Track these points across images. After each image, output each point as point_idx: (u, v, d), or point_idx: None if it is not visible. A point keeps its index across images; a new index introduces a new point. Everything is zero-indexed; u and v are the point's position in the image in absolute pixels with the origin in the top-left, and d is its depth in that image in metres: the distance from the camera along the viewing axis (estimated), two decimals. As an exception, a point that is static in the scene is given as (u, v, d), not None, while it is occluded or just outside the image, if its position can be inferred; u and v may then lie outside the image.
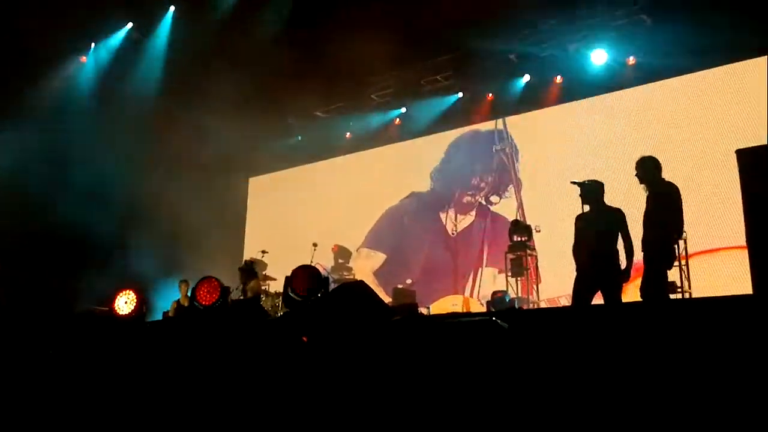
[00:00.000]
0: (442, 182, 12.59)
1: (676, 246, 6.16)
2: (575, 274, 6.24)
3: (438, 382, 3.09)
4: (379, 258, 12.76)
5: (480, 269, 11.60)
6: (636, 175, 6.17)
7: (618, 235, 6.07)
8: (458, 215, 12.19)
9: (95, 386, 3.77)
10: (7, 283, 8.70)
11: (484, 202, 11.98)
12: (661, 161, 6.28)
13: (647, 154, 6.36)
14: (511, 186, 11.69)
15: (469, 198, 12.18)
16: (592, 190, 6.30)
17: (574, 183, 7.37)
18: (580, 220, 6.37)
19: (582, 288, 6.14)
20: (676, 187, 6.02)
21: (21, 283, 9.11)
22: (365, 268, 12.66)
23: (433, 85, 12.60)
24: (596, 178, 6.48)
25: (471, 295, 11.39)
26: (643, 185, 6.12)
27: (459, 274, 11.65)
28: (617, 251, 6.06)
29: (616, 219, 6.12)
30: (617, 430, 2.89)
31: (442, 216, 12.35)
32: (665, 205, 5.93)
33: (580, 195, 6.36)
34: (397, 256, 12.55)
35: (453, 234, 12.11)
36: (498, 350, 3.20)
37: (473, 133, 12.48)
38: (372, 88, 13.06)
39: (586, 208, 6.35)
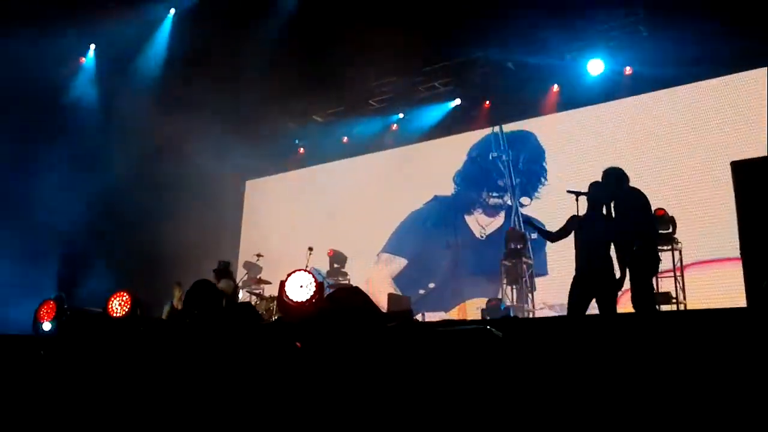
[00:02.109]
0: (466, 185, 12.38)
1: (658, 252, 6.09)
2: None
3: (431, 390, 3.09)
4: (399, 263, 12.65)
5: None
6: (598, 184, 6.20)
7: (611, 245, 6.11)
8: (486, 218, 11.97)
9: (87, 387, 3.76)
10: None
11: (511, 204, 11.73)
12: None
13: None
14: (541, 187, 11.46)
15: (496, 200, 11.96)
16: (600, 197, 6.30)
17: (570, 192, 7.40)
18: (580, 225, 6.37)
19: (577, 295, 6.15)
20: (641, 192, 6.02)
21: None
22: (384, 272, 12.55)
23: (430, 92, 12.63)
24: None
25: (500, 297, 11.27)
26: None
27: (485, 278, 11.31)
28: (612, 261, 6.09)
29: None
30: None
31: (468, 219, 12.18)
32: (635, 213, 5.93)
33: (588, 198, 6.35)
34: (418, 261, 12.36)
35: (482, 237, 11.92)
36: (492, 359, 3.20)
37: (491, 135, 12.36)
38: (370, 94, 13.10)
39: (582, 211, 6.39)
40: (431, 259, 12.15)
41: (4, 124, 10.46)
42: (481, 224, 11.92)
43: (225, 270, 9.55)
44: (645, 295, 5.81)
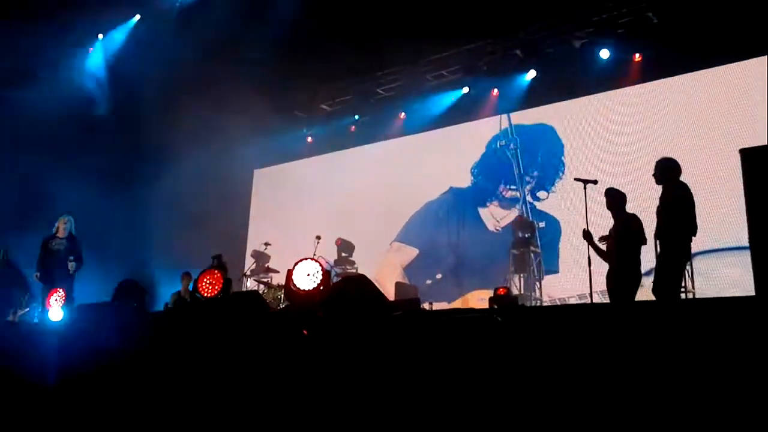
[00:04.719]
0: (483, 177, 12.24)
1: (690, 244, 6.20)
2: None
3: (437, 378, 3.09)
4: (410, 252, 12.59)
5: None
6: (654, 174, 6.29)
7: (637, 241, 6.41)
8: (501, 211, 11.79)
9: (95, 375, 3.78)
10: None
11: (530, 198, 11.54)
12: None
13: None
14: (558, 180, 11.29)
15: (512, 192, 11.78)
16: (616, 200, 6.62)
17: (578, 180, 7.45)
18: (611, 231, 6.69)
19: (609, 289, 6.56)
20: (688, 187, 6.13)
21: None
22: (395, 261, 12.50)
23: (439, 81, 12.58)
24: (617, 187, 6.76)
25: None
26: (660, 185, 6.24)
27: (494, 270, 11.08)
28: (638, 258, 6.37)
29: (635, 225, 6.43)
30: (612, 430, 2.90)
31: (482, 212, 12.07)
32: (679, 205, 6.03)
33: (607, 203, 6.67)
34: (429, 251, 12.29)
35: (497, 230, 11.71)
36: (497, 347, 3.20)
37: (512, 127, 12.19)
38: (378, 82, 13.09)
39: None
40: (440, 249, 12.12)
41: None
42: (496, 217, 11.85)
43: (217, 263, 9.60)
44: (674, 281, 6.02)
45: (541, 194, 11.39)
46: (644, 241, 6.43)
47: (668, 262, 6.01)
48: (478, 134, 12.37)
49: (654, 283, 6.04)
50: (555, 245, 10.59)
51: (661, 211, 6.14)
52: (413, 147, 12.98)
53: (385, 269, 12.18)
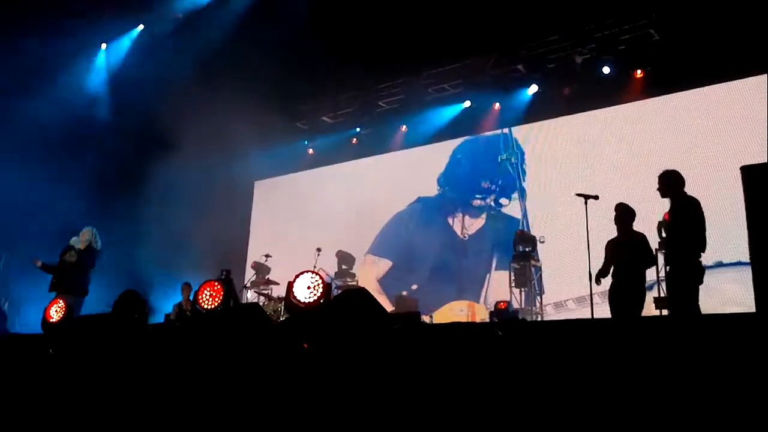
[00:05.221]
0: (451, 187, 12.57)
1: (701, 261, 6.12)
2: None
3: (438, 391, 3.09)
4: (384, 264, 12.72)
5: (489, 274, 11.58)
6: (658, 189, 6.25)
7: (644, 259, 6.47)
8: (469, 218, 12.11)
9: (96, 387, 3.77)
10: None
11: (494, 205, 11.92)
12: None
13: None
14: (515, 191, 11.70)
15: (479, 201, 12.11)
16: (624, 216, 6.64)
17: (579, 195, 7.45)
18: (613, 244, 6.68)
19: (614, 305, 6.49)
20: (698, 201, 6.09)
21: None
22: (370, 274, 12.59)
23: (440, 94, 12.62)
24: (626, 202, 6.80)
25: (479, 300, 11.34)
26: (666, 199, 6.21)
27: (467, 279, 11.54)
28: (643, 274, 6.41)
29: (642, 243, 6.48)
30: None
31: (450, 220, 12.29)
32: (689, 220, 5.99)
33: (615, 217, 6.70)
34: (402, 263, 12.48)
35: (464, 237, 12.03)
36: (499, 361, 3.20)
37: (478, 137, 12.53)
38: (380, 95, 13.14)
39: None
40: (415, 260, 12.30)
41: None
42: (465, 225, 12.07)
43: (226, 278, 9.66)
44: (691, 300, 5.88)
45: (503, 201, 11.80)
46: (655, 262, 6.48)
47: (681, 277, 5.94)
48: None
49: (669, 299, 6.01)
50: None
51: (669, 225, 6.11)
52: (414, 159, 13.01)
53: (361, 282, 12.19)
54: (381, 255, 12.80)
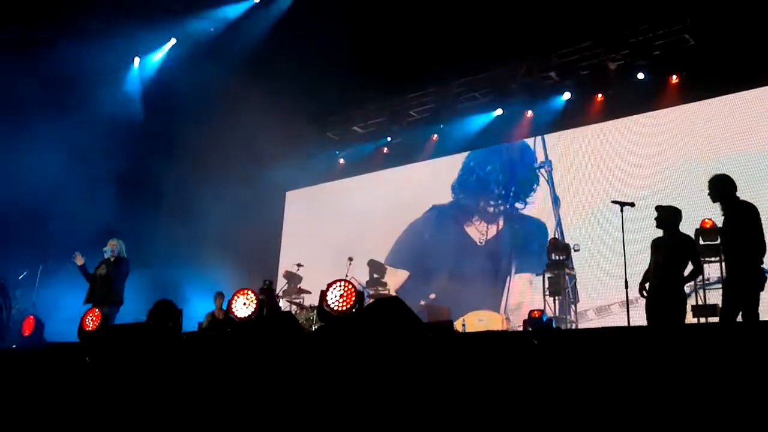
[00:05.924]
0: (465, 194, 12.59)
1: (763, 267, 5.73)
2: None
3: (472, 400, 3.04)
4: (401, 275, 12.67)
5: (509, 277, 11.50)
6: (709, 194, 5.99)
7: (687, 263, 6.19)
8: (485, 224, 12.09)
9: (130, 394, 3.79)
10: None
11: (510, 209, 11.93)
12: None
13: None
14: (533, 193, 11.71)
15: (493, 208, 12.12)
16: (669, 216, 6.33)
17: (615, 202, 7.34)
18: (656, 244, 6.40)
19: (650, 309, 6.24)
20: (754, 206, 5.79)
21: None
22: (389, 284, 12.52)
23: (471, 102, 12.57)
24: (674, 204, 6.49)
25: (499, 307, 11.26)
26: (718, 204, 5.92)
27: (486, 285, 11.43)
28: (682, 277, 6.16)
29: (689, 246, 6.25)
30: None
31: (467, 227, 12.26)
32: (747, 224, 5.68)
33: (656, 219, 6.39)
34: (420, 272, 12.43)
35: (481, 243, 11.97)
36: (533, 370, 3.14)
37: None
38: (410, 104, 13.13)
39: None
40: (432, 268, 12.26)
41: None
42: (480, 231, 12.04)
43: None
44: (752, 310, 5.50)
45: (518, 205, 11.84)
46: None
47: (741, 284, 5.56)
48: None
49: (723, 307, 5.72)
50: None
51: (723, 231, 5.85)
52: (446, 168, 12.97)
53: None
54: (398, 265, 12.75)
